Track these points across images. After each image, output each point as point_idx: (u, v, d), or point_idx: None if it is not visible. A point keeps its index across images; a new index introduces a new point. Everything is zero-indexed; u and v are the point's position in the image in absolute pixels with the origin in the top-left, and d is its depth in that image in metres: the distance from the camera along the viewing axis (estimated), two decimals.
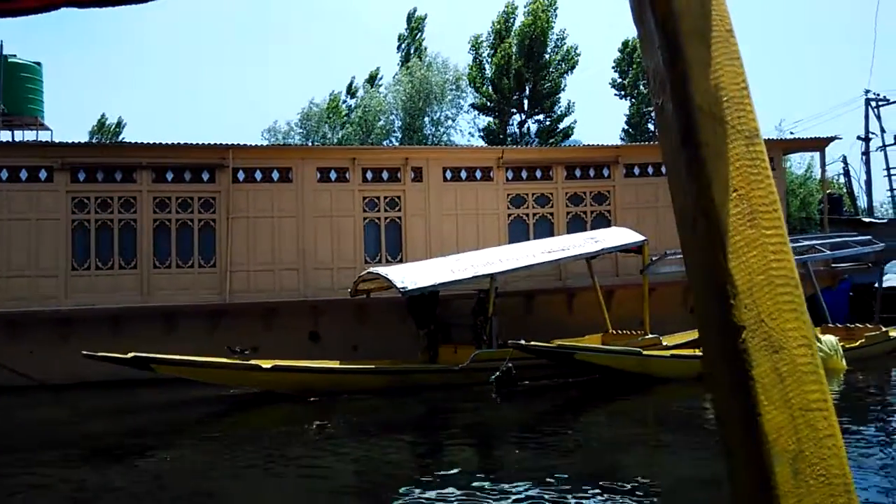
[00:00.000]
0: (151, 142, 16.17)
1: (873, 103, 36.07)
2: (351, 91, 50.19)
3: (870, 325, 16.80)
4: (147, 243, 16.03)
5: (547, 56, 41.43)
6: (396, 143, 39.49)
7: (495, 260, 14.65)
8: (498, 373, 13.31)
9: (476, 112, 42.20)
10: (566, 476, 7.73)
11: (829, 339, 15.13)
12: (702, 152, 1.05)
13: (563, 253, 15.22)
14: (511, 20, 41.70)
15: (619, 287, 18.02)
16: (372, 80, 49.37)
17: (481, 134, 41.75)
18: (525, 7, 41.37)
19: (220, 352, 13.90)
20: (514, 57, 40.04)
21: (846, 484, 1.03)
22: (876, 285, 19.53)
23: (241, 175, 16.54)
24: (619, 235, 16.13)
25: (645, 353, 13.93)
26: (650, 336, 15.45)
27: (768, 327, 1.03)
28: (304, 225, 16.83)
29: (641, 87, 48.53)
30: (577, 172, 18.69)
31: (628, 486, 7.43)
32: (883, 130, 36.19)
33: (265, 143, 45.24)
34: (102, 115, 53.41)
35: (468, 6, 42.53)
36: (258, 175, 16.66)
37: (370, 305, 16.52)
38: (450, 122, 43.48)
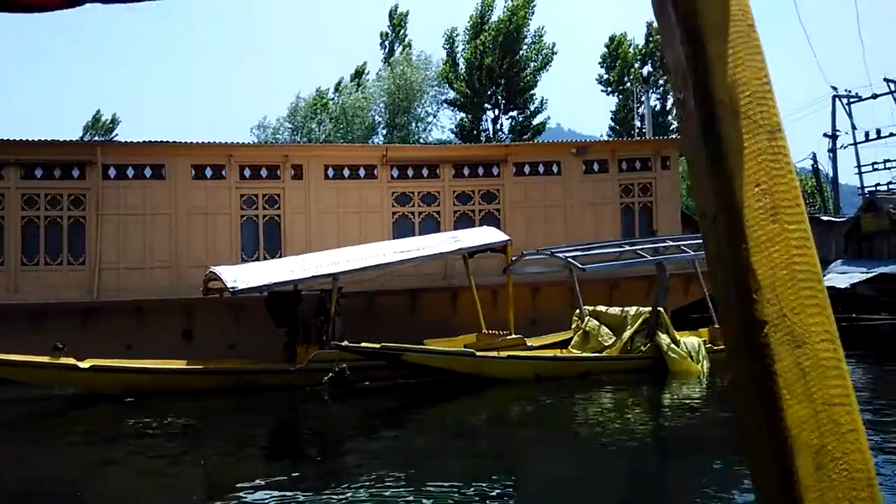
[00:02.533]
0: (19, 138, 16.24)
1: (844, 100, 35.27)
2: (339, 87, 50.25)
3: None
4: (15, 240, 16.14)
5: (523, 52, 41.09)
6: (382, 141, 39.51)
7: (341, 260, 14.48)
8: (330, 374, 13.17)
9: (449, 108, 42.01)
10: (364, 482, 7.57)
11: (692, 341, 14.86)
12: (723, 147, 1.06)
13: (417, 252, 15.01)
14: (487, 16, 41.41)
15: (502, 286, 17.77)
16: (359, 75, 49.39)
17: (454, 130, 41.59)
18: (505, 2, 41.10)
19: (91, 352, 13.79)
20: (486, 52, 39.74)
21: (869, 479, 1.04)
22: None
23: (112, 172, 16.58)
24: (480, 235, 15.90)
25: (478, 354, 13.70)
26: (514, 336, 15.26)
27: (791, 322, 1.04)
28: (178, 222, 16.83)
29: (628, 83, 48.13)
30: (466, 171, 18.47)
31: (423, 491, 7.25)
32: (854, 127, 35.39)
33: (254, 139, 45.66)
34: (97, 112, 54.16)
35: (454, 2, 42.18)
36: (130, 172, 16.68)
37: (246, 304, 16.44)
38: (431, 118, 43.48)
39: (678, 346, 14.50)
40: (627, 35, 48.78)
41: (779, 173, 1.07)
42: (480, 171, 18.51)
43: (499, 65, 39.76)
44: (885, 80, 33.65)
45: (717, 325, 16.51)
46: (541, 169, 18.74)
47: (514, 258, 15.73)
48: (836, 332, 1.06)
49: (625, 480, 7.86)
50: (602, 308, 15.63)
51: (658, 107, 49.07)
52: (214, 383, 13.51)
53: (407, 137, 39.56)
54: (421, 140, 40.34)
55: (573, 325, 15.69)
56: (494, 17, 40.84)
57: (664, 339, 14.48)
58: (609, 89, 48.61)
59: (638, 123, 49.33)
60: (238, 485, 7.77)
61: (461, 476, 7.61)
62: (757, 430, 1.05)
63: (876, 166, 34.26)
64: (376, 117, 43.31)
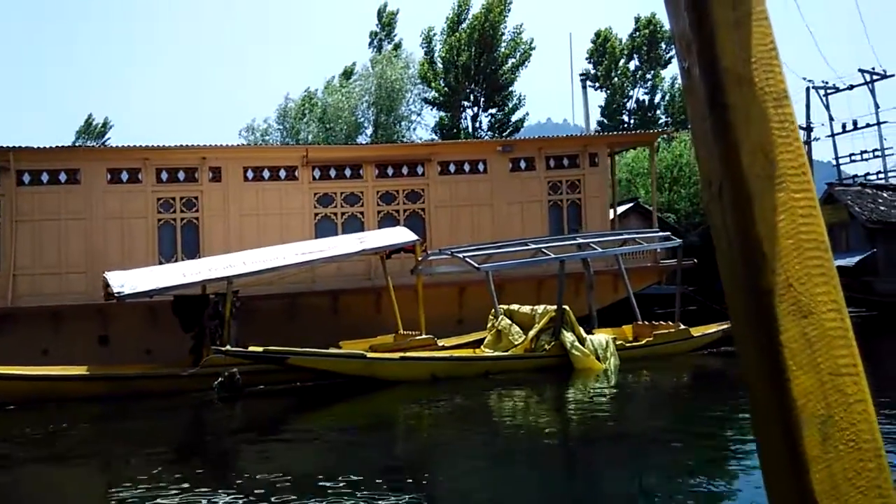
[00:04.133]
0: None
1: (821, 91, 34.69)
2: (328, 87, 50.19)
3: (671, 324, 16.17)
4: None
5: (501, 49, 40.84)
6: (368, 141, 39.43)
7: (237, 263, 14.38)
8: (220, 378, 13.09)
9: (428, 106, 41.83)
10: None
11: (600, 338, 14.69)
12: (729, 115, 1.05)
13: (319, 254, 14.89)
14: (464, 14, 41.19)
15: (428, 286, 17.64)
16: (348, 75, 49.29)
17: (433, 129, 41.45)
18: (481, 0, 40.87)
19: (6, 358, 13.75)
20: (461, 50, 39.55)
21: (877, 449, 1.04)
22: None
23: (26, 178, 16.58)
24: (387, 235, 15.75)
25: (369, 356, 13.54)
26: (424, 336, 15.17)
27: (797, 292, 1.03)
28: (93, 227, 16.82)
29: (615, 78, 47.77)
30: (390, 171, 18.31)
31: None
32: (831, 119, 34.82)
33: (244, 141, 45.73)
34: (89, 116, 54.55)
35: (445, 1, 42.00)
36: (45, 177, 16.69)
37: (163, 309, 16.41)
38: (415, 116, 43.31)
39: (583, 344, 14.28)
40: (612, 30, 48.48)
41: (785, 141, 1.05)
42: (405, 170, 18.34)
43: (475, 62, 39.55)
44: (861, 70, 33.08)
45: (639, 322, 16.34)
46: (466, 168, 18.54)
47: (421, 258, 15.54)
48: (842, 302, 1.05)
49: (508, 482, 7.68)
50: (515, 307, 15.46)
51: (646, 101, 48.75)
52: (104, 389, 13.38)
53: (391, 137, 39.42)
54: (404, 139, 40.19)
55: (488, 325, 15.53)
56: (471, 16, 40.59)
57: (568, 337, 14.27)
58: (596, 84, 48.34)
59: (626, 118, 49.09)
60: (112, 490, 7.71)
61: (342, 479, 7.45)
62: (763, 402, 1.05)
63: (854, 157, 33.71)
64: (361, 117, 43.14)
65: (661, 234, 17.00)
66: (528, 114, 41.14)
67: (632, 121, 48.08)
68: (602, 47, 48.01)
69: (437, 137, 39.90)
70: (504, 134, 39.29)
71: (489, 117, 41.11)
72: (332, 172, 18.06)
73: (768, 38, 1.07)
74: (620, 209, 27.97)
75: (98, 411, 12.82)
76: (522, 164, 18.80)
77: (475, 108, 41.02)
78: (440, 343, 15.26)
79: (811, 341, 1.02)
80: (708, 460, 8.00)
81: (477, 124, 40.86)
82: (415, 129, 43.01)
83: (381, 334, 15.98)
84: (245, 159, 17.72)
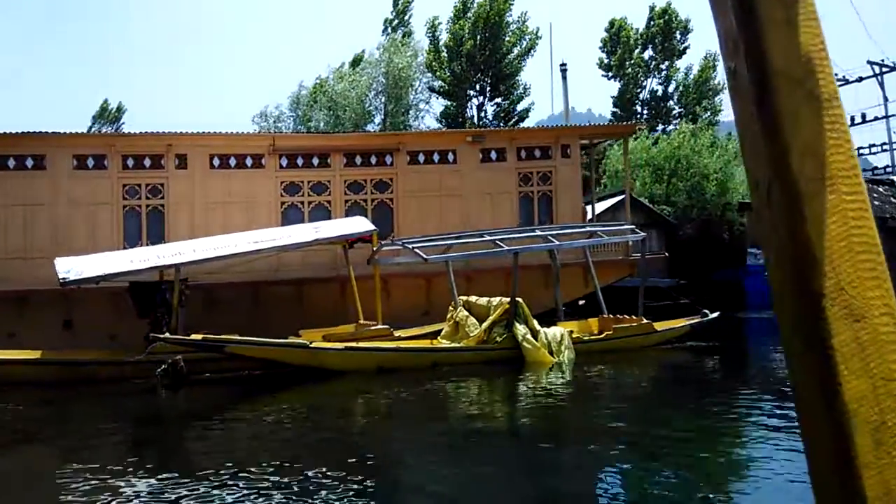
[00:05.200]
0: None
1: None
2: (337, 74, 50.12)
3: (634, 318, 15.95)
4: None
5: (507, 38, 40.50)
6: (377, 129, 39.38)
7: (188, 250, 14.38)
8: (164, 366, 13.11)
9: (435, 95, 41.66)
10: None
11: (554, 332, 14.54)
12: (778, 117, 1.04)
13: (272, 243, 14.83)
14: (469, 3, 40.88)
15: (394, 276, 17.59)
16: (357, 62, 49.20)
17: (439, 118, 41.25)
18: None
19: None
20: (465, 39, 39.29)
21: None
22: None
23: None
24: (343, 225, 15.67)
25: (312, 345, 13.47)
26: (380, 327, 15.08)
27: (849, 295, 1.02)
28: (59, 213, 16.92)
29: (629, 68, 47.16)
30: (358, 160, 18.19)
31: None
32: None
33: (256, 128, 45.89)
34: (105, 101, 55.00)
35: None
36: (11, 163, 16.81)
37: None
38: (424, 105, 43.12)
39: (536, 337, 14.12)
40: (628, 20, 47.87)
41: (836, 143, 1.03)
42: (373, 160, 18.21)
43: (480, 51, 39.25)
44: (869, 62, 32.33)
45: (605, 315, 16.14)
46: (436, 158, 18.36)
47: (375, 248, 15.45)
48: (895, 306, 1.03)
49: (448, 471, 7.61)
50: (474, 298, 15.32)
51: (660, 92, 48.07)
52: (54, 374, 13.46)
53: (398, 126, 39.29)
54: (412, 128, 40.04)
55: (448, 316, 15.43)
56: (476, 4, 40.28)
57: (520, 329, 14.13)
58: (610, 74, 47.82)
59: (639, 108, 48.47)
60: (43, 475, 7.77)
61: (274, 467, 7.42)
62: (813, 407, 1.03)
63: (862, 151, 33.02)
64: (370, 105, 43.01)
65: (626, 227, 16.70)
66: (533, 103, 40.80)
67: (645, 111, 47.52)
68: (616, 36, 47.42)
69: (441, 127, 39.72)
70: (509, 123, 38.98)
71: (495, 106, 40.83)
72: (300, 161, 17.99)
73: (818, 37, 1.04)
74: (613, 201, 27.67)
75: (45, 396, 12.88)
76: (493, 155, 18.58)
77: (481, 98, 40.76)
78: (398, 333, 15.15)
79: (863, 346, 1.00)
80: (647, 453, 7.86)
81: (482, 113, 40.61)
82: (423, 117, 42.93)
83: (345, 323, 15.91)
84: (211, 147, 17.69)
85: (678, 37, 47.43)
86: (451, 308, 15.37)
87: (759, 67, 1.03)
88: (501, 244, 15.02)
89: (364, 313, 15.86)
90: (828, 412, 1.00)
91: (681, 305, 20.13)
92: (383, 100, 42.40)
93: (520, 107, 40.68)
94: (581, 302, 20.80)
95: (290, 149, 17.96)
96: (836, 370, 0.99)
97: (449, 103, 40.97)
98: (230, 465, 7.51)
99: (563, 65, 27.25)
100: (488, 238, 15.26)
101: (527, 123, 40.30)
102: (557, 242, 15.18)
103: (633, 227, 16.70)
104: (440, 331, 15.43)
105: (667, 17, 46.92)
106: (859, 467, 0.98)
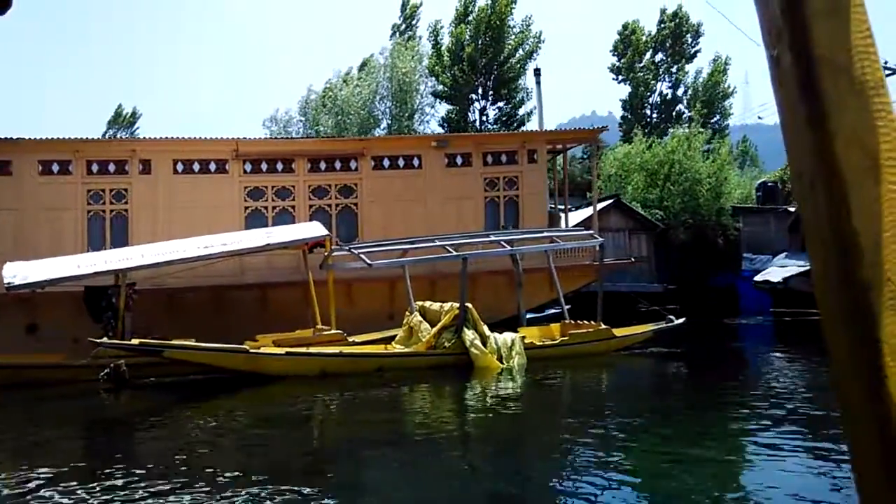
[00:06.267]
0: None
1: None
2: (345, 79, 50.29)
3: (593, 323, 15.74)
4: None
5: (510, 43, 40.30)
6: (383, 133, 39.44)
7: (136, 255, 14.44)
8: (107, 370, 13.19)
9: (436, 99, 41.59)
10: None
11: (505, 338, 14.40)
12: (824, 105, 1.04)
13: (221, 248, 14.83)
14: (471, 6, 40.75)
15: (358, 281, 17.52)
16: (365, 67, 49.33)
17: (441, 122, 41.17)
18: None
19: None
20: (466, 43, 39.19)
21: None
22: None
23: None
24: (296, 231, 15.63)
25: (252, 351, 13.43)
26: (332, 332, 15.01)
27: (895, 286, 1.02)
28: (24, 218, 17.07)
29: (639, 72, 46.76)
30: (322, 165, 18.16)
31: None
32: None
33: (267, 132, 46.27)
34: (119, 106, 55.70)
35: None
36: None
37: None
38: (429, 109, 43.08)
39: (485, 343, 13.99)
40: (640, 23, 47.44)
41: (883, 131, 1.01)
42: (338, 165, 18.17)
43: (482, 55, 39.08)
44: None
45: (566, 321, 15.95)
46: (401, 163, 18.26)
47: (327, 254, 15.40)
48: None
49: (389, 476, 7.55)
50: (428, 303, 15.23)
51: (670, 95, 47.58)
52: None
53: (402, 130, 39.27)
54: (416, 133, 40.00)
55: (404, 321, 15.36)
56: (478, 7, 40.15)
57: (469, 335, 13.99)
58: (620, 77, 47.47)
59: (648, 112, 48.02)
60: None
61: (212, 472, 7.40)
62: (856, 401, 1.01)
63: None
64: (376, 110, 43.06)
65: (585, 232, 16.49)
66: (535, 107, 40.49)
67: (654, 115, 47.06)
68: (627, 40, 47.07)
69: (444, 131, 39.59)
70: (511, 127, 38.75)
71: (497, 110, 40.62)
72: (264, 166, 18.00)
73: (864, 24, 1.02)
74: (600, 205, 27.37)
75: None
76: (459, 160, 18.44)
77: (483, 102, 40.58)
78: (356, 338, 15.10)
79: None
80: (585, 460, 7.79)
81: (484, 117, 40.41)
82: (428, 121, 42.86)
83: (309, 328, 15.85)
84: (175, 152, 17.75)
85: (689, 40, 46.97)
86: (407, 313, 15.28)
87: (804, 55, 1.01)
88: (451, 250, 14.89)
89: (325, 318, 15.82)
90: (872, 406, 0.98)
91: (666, 311, 19.92)
92: (389, 104, 42.49)
93: (521, 111, 40.43)
94: (567, 307, 20.64)
95: (254, 154, 17.98)
96: (882, 362, 0.97)
97: (451, 107, 40.84)
98: (161, 468, 7.52)
99: (536, 70, 26.99)
100: (439, 243, 15.14)
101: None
102: (510, 248, 14.99)
103: (590, 233, 16.48)
104: (394, 336, 15.36)
105: (678, 20, 46.48)
106: None
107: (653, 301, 22.66)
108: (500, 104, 40.64)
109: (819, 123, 1.01)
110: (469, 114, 40.61)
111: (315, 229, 15.56)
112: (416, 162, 18.31)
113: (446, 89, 40.50)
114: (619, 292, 21.17)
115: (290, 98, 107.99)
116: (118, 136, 51.35)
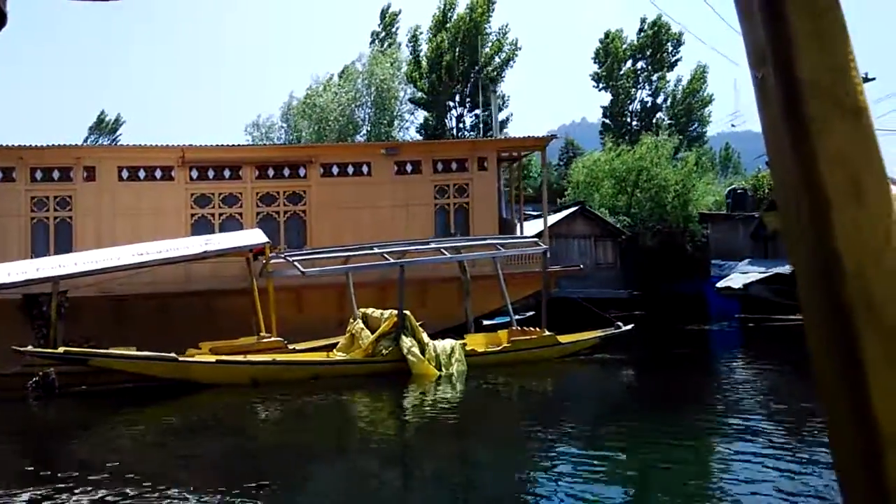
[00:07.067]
0: None
1: None
2: (325, 86, 50.22)
3: (537, 330, 15.63)
4: None
5: (487, 50, 40.31)
6: (362, 139, 39.34)
7: (68, 263, 14.27)
8: (35, 378, 13.01)
9: (414, 106, 41.59)
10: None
11: (444, 345, 14.30)
12: (807, 127, 1.03)
13: (157, 255, 14.65)
14: (449, 14, 40.77)
15: (308, 288, 17.37)
16: (345, 73, 49.25)
17: (419, 129, 41.18)
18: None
19: None
20: (445, 51, 39.19)
21: None
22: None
23: None
24: (234, 238, 15.46)
25: (181, 359, 13.25)
26: (273, 339, 14.84)
27: (879, 311, 1.02)
28: None
29: (619, 79, 46.77)
30: (270, 172, 18.02)
31: None
32: None
33: (249, 138, 46.20)
34: (102, 112, 55.58)
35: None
36: None
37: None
38: (408, 115, 43.07)
39: (424, 350, 13.85)
40: (623, 32, 47.49)
41: (865, 155, 1.02)
42: (286, 172, 18.03)
43: (459, 62, 39.08)
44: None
45: (514, 328, 15.84)
46: (350, 170, 18.13)
47: (265, 261, 15.25)
48: None
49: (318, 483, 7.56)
50: (371, 311, 15.08)
51: (650, 103, 47.62)
52: None
53: (381, 137, 39.20)
54: (395, 139, 39.93)
55: (347, 329, 15.23)
56: (456, 16, 40.18)
57: (406, 342, 13.84)
58: (601, 85, 47.47)
59: (629, 119, 48.04)
60: None
61: (140, 481, 7.27)
62: (843, 424, 1.01)
63: None
64: (355, 116, 42.98)
65: (529, 240, 16.37)
66: (512, 114, 40.54)
67: (634, 122, 47.08)
68: (608, 48, 47.08)
69: (421, 138, 39.60)
70: (486, 133, 38.72)
71: (473, 117, 40.62)
72: (211, 173, 17.85)
73: (847, 47, 1.03)
74: (567, 212, 27.29)
75: None
76: (409, 168, 18.32)
77: (460, 109, 40.58)
78: (297, 346, 14.95)
79: (894, 361, 0.98)
80: (520, 467, 7.79)
81: (461, 124, 40.42)
82: (407, 128, 42.84)
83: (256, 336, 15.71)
84: (120, 159, 17.61)
85: (669, 48, 47.01)
86: (350, 320, 15.16)
87: (788, 77, 1.01)
88: (390, 257, 14.76)
89: (269, 325, 15.67)
90: (859, 432, 0.98)
91: (632, 317, 19.88)
92: (369, 111, 42.40)
93: (502, 116, 40.37)
94: (530, 313, 20.55)
95: (200, 161, 17.82)
96: (867, 387, 0.97)
97: (428, 114, 40.83)
98: (89, 477, 7.34)
99: (492, 79, 26.97)
100: (378, 251, 15.01)
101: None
102: (448, 255, 14.87)
103: (535, 240, 16.36)
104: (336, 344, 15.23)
105: (656, 29, 46.51)
106: (893, 491, 0.95)
107: (619, 307, 22.60)
108: (478, 111, 40.64)
109: (802, 144, 1.01)
110: (446, 120, 40.62)
111: (254, 236, 15.39)
112: (365, 169, 18.18)
113: (424, 96, 40.49)
114: (569, 299, 21.06)
115: (274, 104, 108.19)
116: (100, 142, 51.31)
